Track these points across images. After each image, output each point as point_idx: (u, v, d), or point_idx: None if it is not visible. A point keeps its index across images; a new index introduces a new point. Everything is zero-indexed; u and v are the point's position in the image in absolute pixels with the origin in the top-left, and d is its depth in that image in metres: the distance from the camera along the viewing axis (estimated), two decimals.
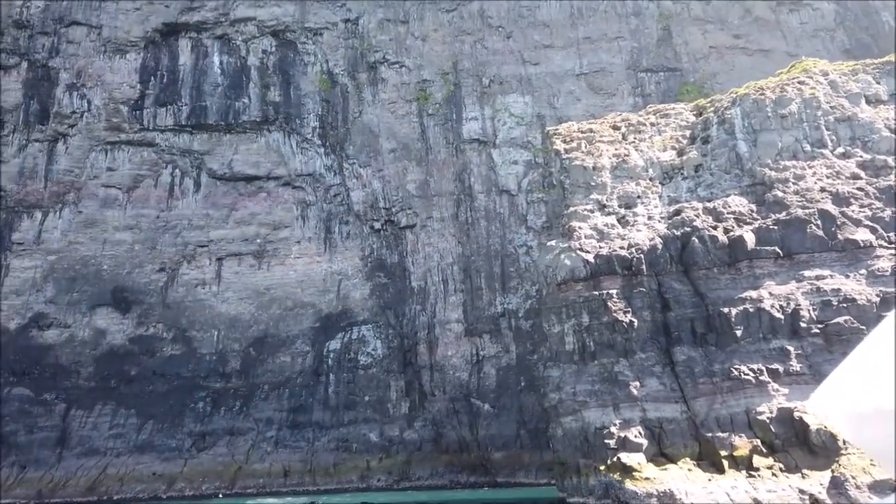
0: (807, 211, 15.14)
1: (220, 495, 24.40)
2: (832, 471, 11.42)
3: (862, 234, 14.61)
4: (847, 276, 14.30)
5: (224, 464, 25.76)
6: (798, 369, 13.14)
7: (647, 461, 13.07)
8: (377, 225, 30.17)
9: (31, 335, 28.40)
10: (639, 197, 17.79)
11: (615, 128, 20.25)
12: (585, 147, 19.52)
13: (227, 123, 31.50)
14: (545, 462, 24.83)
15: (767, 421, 12.51)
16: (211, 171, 31.51)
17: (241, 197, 31.54)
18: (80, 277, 29.69)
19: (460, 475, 25.92)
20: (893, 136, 16.58)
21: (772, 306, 13.96)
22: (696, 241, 15.49)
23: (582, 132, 20.36)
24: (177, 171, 31.66)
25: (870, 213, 15.15)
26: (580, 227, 17.18)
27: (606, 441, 13.75)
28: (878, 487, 11.02)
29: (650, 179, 18.30)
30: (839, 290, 13.97)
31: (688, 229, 15.84)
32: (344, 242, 30.64)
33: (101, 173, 31.01)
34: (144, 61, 31.51)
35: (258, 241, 31.01)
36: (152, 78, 31.50)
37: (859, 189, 15.57)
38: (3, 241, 29.37)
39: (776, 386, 12.97)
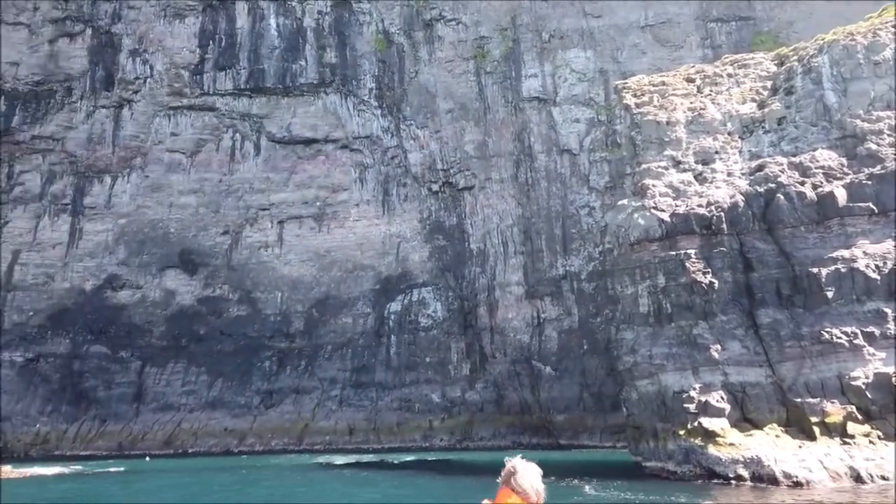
0: None
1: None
2: None
3: None
4: None
5: (291, 421, 26.54)
6: None
7: (731, 426, 12.64)
8: (435, 187, 29.90)
9: (105, 296, 29.55)
10: (717, 152, 16.93)
11: (689, 80, 19.24)
12: (658, 101, 18.63)
13: (284, 87, 31.49)
14: (609, 425, 24.67)
15: (863, 386, 11.88)
16: (270, 135, 31.69)
17: (300, 160, 31.67)
18: (149, 240, 30.57)
19: (522, 436, 26.03)
20: None
21: (866, 266, 13.15)
22: (782, 197, 14.67)
23: (654, 85, 19.42)
24: (237, 135, 31.94)
25: None
26: (654, 185, 16.50)
27: (686, 405, 13.36)
28: None
29: (729, 134, 17.37)
30: None
31: (772, 185, 15.00)
32: (402, 205, 30.52)
33: (165, 138, 31.58)
34: (203, 25, 31.63)
35: (317, 204, 31.19)
36: (211, 42, 31.65)
37: None
38: (76, 206, 30.38)
39: (872, 350, 12.28)
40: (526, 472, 2.07)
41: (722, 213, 15.17)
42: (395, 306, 28.77)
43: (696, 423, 13.19)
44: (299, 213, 31.15)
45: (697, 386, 13.77)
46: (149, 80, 31.34)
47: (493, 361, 27.33)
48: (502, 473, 2.12)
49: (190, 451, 25.20)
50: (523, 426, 25.73)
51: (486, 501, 2.05)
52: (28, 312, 28.77)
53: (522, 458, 2.15)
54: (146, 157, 31.39)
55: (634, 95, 19.30)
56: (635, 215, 16.27)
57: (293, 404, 27.23)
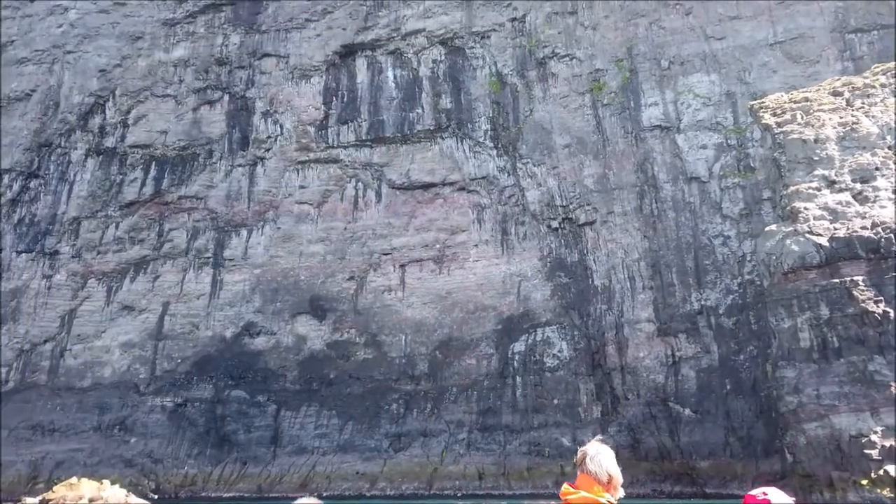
0: None
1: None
2: None
3: None
4: None
5: (420, 464, 26.38)
6: None
7: None
8: (554, 224, 29.39)
9: (243, 342, 31.24)
10: (877, 168, 15.36)
11: (836, 94, 17.77)
12: (801, 118, 17.31)
13: (402, 135, 32.53)
14: (762, 473, 22.45)
15: None
16: (390, 182, 32.66)
17: (419, 204, 32.32)
18: (282, 288, 32.13)
19: (663, 484, 24.25)
20: None
21: None
22: None
23: (795, 102, 18.11)
24: (360, 184, 33.18)
25: None
26: (806, 208, 15.15)
27: (867, 451, 11.81)
28: None
29: (889, 148, 15.75)
30: None
31: None
32: (521, 243, 30.22)
33: (294, 191, 33.41)
34: (326, 83, 33.52)
35: (437, 246, 31.55)
36: (334, 98, 33.42)
37: None
38: (217, 258, 32.61)
39: None
40: (597, 456, 2.10)
41: (892, 235, 13.60)
42: (518, 346, 28.19)
43: (881, 472, 11.59)
44: (420, 256, 31.62)
45: (879, 429, 12.18)
46: (279, 137, 33.50)
47: (626, 403, 25.92)
48: (576, 459, 2.14)
49: (325, 494, 25.62)
50: (663, 473, 24.00)
51: (565, 484, 2.16)
52: (176, 360, 30.92)
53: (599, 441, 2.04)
54: (278, 210, 33.30)
55: (774, 114, 18.05)
56: (787, 241, 14.95)
57: (421, 448, 27.10)
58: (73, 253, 31.86)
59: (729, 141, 26.21)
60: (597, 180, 28.12)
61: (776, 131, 17.43)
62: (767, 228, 16.61)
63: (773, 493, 2.03)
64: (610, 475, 2.02)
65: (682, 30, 28.29)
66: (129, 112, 33.31)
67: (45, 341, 30.73)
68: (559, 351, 27.46)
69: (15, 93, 33.46)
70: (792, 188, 16.19)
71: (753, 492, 2.21)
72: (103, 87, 33.50)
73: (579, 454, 2.11)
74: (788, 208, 15.90)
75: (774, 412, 17.00)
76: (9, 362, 30.35)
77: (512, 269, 29.84)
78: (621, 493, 2.11)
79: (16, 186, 32.32)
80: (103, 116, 33.47)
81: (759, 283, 23.17)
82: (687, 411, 24.73)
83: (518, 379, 27.60)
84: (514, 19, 30.82)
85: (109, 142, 33.12)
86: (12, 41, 34.63)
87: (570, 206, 28.58)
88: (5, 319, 30.76)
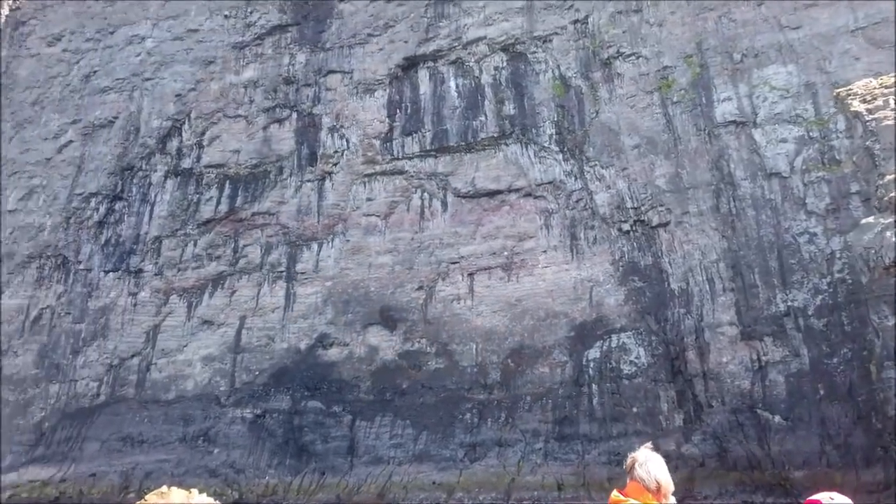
0: None
1: None
2: None
3: None
4: None
5: (497, 475, 26.07)
6: None
7: None
8: (626, 226, 28.65)
9: (317, 354, 31.80)
10: None
11: None
12: (895, 103, 16.27)
13: (466, 143, 32.51)
14: (864, 483, 21.07)
15: None
16: (456, 191, 32.66)
17: (485, 212, 32.17)
18: (353, 300, 32.56)
19: (754, 495, 23.03)
20: None
21: None
22: None
23: (886, 87, 17.07)
24: (425, 194, 33.33)
25: None
26: None
27: None
28: None
29: None
30: None
31: None
32: (591, 248, 29.59)
33: (361, 204, 33.88)
34: (390, 96, 33.93)
35: (505, 253, 31.28)
36: (398, 111, 33.78)
37: None
38: (290, 272, 33.39)
39: None
40: (646, 463, 1.96)
41: None
42: (593, 353, 27.54)
43: None
44: (488, 264, 31.42)
45: None
46: (346, 152, 34.09)
47: (710, 411, 24.86)
48: (625, 465, 1.84)
49: None
50: (754, 483, 22.83)
51: (615, 491, 1.90)
52: (254, 372, 31.75)
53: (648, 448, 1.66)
54: (346, 223, 33.84)
55: (864, 101, 17.08)
56: (888, 233, 14.03)
57: (497, 457, 26.79)
58: (155, 271, 33.28)
59: (811, 133, 24.95)
60: (669, 180, 27.29)
61: (867, 118, 16.46)
62: (864, 221, 15.65)
63: (839, 497, 1.84)
64: (659, 482, 1.86)
65: (754, 21, 27.22)
66: (203, 133, 34.65)
67: (132, 356, 32.15)
68: (636, 357, 26.67)
69: (99, 120, 35.36)
70: (889, 177, 15.21)
71: (818, 496, 2.00)
72: (179, 110, 34.99)
73: (629, 461, 2.00)
74: (886, 199, 14.93)
75: (877, 417, 15.92)
76: (99, 377, 31.90)
77: (583, 275, 29.26)
78: (672, 500, 1.92)
79: (102, 209, 34.08)
80: (180, 139, 34.94)
81: (851, 281, 21.90)
82: (777, 418, 23.51)
83: (594, 387, 26.94)
84: (576, 21, 30.42)
85: (186, 163, 34.53)
86: (95, 71, 36.65)
87: (642, 208, 27.82)
88: (96, 336, 32.38)
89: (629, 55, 28.98)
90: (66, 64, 37.14)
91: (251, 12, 35.82)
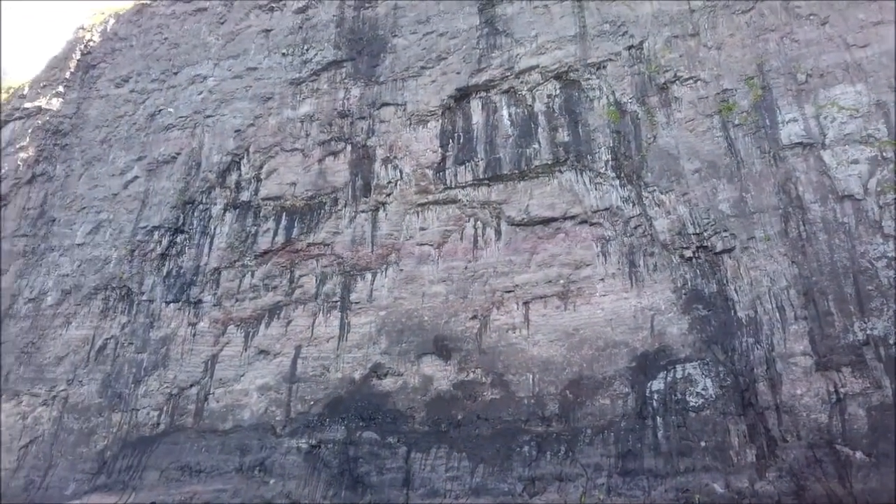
0: None
1: None
2: None
3: None
4: None
5: None
6: None
7: None
8: (688, 253, 27.81)
9: (372, 383, 31.61)
10: None
11: None
12: None
13: (520, 171, 32.34)
14: None
15: None
16: (510, 219, 32.40)
17: (539, 240, 31.76)
18: (407, 329, 32.39)
19: None
20: None
21: None
22: None
23: None
24: (478, 222, 33.17)
25: None
26: None
27: None
28: None
29: None
30: None
31: None
32: (651, 275, 28.77)
33: (415, 233, 33.95)
34: (443, 127, 34.18)
35: (561, 281, 30.70)
36: (450, 140, 33.97)
37: None
38: (344, 302, 33.52)
39: None
40: None
41: None
42: (657, 385, 26.51)
43: None
44: (543, 293, 30.85)
45: None
46: (399, 182, 34.36)
47: (785, 446, 23.50)
48: None
49: None
50: None
51: None
52: (309, 402, 31.73)
53: None
54: (400, 253, 33.91)
55: None
56: None
57: (557, 492, 25.85)
58: (214, 301, 33.91)
59: (884, 154, 23.89)
60: (733, 204, 26.45)
61: None
62: None
63: None
64: None
65: (818, 41, 26.49)
66: (261, 167, 35.52)
67: (191, 385, 32.61)
68: (703, 389, 25.54)
69: (163, 156, 36.69)
70: None
71: None
72: (238, 145, 36.03)
73: None
74: None
75: None
76: (159, 406, 32.41)
77: (643, 303, 28.41)
78: None
79: (164, 241, 35.10)
80: (239, 173, 35.88)
81: None
82: (858, 454, 22.04)
83: (659, 419, 25.87)
84: (630, 47, 30.18)
85: (244, 196, 35.37)
86: (159, 110, 38.19)
87: (705, 234, 26.98)
88: (157, 366, 33.03)
89: (687, 79, 28.52)
90: (132, 104, 38.83)
91: (307, 49, 36.89)
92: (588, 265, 30.30)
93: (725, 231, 26.33)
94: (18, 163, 40.99)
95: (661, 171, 28.37)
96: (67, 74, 43.25)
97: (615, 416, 26.88)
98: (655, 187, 28.36)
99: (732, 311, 25.96)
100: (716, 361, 25.79)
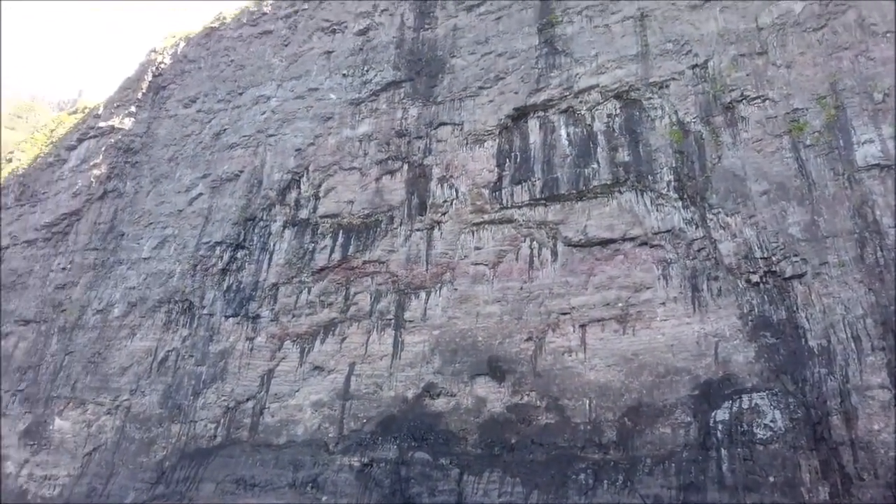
0: None
1: None
2: None
3: None
4: None
5: None
6: None
7: None
8: (754, 278, 26.70)
9: (424, 403, 31.41)
10: None
11: None
12: None
13: (578, 191, 31.86)
14: None
15: None
16: (566, 240, 31.90)
17: (597, 262, 31.12)
18: (460, 349, 32.13)
19: None
20: None
21: None
22: None
23: None
24: (534, 243, 32.78)
25: None
26: None
27: None
28: None
29: None
30: None
31: None
32: (716, 300, 27.73)
33: (469, 253, 33.80)
34: (500, 146, 34.10)
35: (619, 305, 29.94)
36: (507, 160, 33.83)
37: None
38: (398, 320, 33.57)
39: None
40: None
41: None
42: (721, 415, 25.38)
43: None
44: (601, 316, 30.12)
45: None
46: (455, 201, 34.37)
47: (861, 484, 22.07)
48: None
49: None
50: None
51: None
52: (362, 420, 31.75)
53: None
54: (454, 272, 33.79)
55: None
56: None
57: None
58: (271, 317, 34.48)
59: None
60: (804, 228, 25.33)
61: None
62: None
63: None
64: None
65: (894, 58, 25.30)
66: (320, 185, 36.14)
67: (247, 399, 33.12)
68: (772, 421, 24.30)
69: (226, 174, 37.79)
70: None
71: None
72: (299, 164, 36.80)
73: None
74: None
75: None
76: (216, 419, 33.01)
77: (706, 329, 27.38)
78: None
79: (226, 257, 36.01)
80: (298, 191, 36.62)
81: None
82: None
83: (723, 451, 24.72)
84: (694, 66, 29.50)
85: (303, 213, 36.03)
86: (224, 129, 39.42)
87: (773, 258, 25.88)
88: (215, 379, 33.71)
89: (754, 98, 27.65)
90: (199, 123, 40.22)
91: (367, 70, 37.53)
92: (648, 288, 29.46)
93: (796, 256, 25.22)
94: (91, 179, 42.94)
95: (726, 192, 27.47)
96: (139, 95, 45.24)
97: (676, 445, 25.86)
98: (720, 209, 27.46)
99: (803, 340, 24.73)
100: (785, 392, 24.56)
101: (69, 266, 41.06)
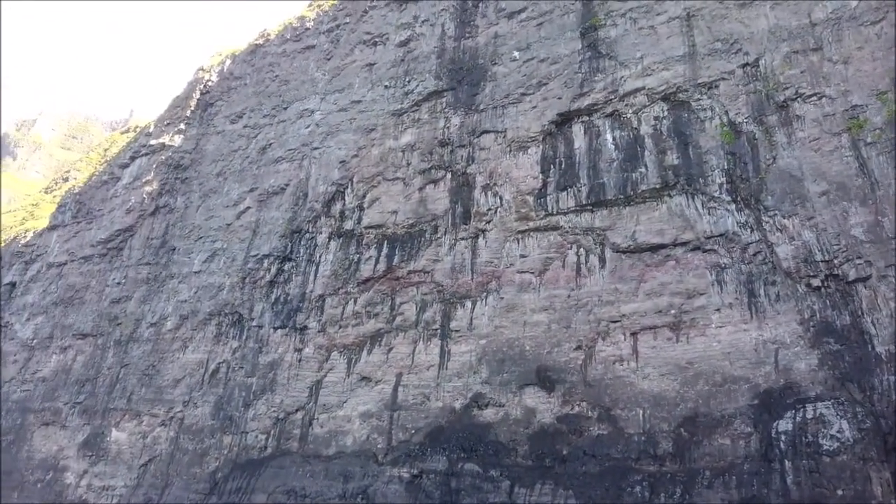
0: None
1: None
2: None
3: None
4: None
5: None
6: None
7: None
8: (815, 282, 25.61)
9: (473, 414, 31.08)
10: None
11: None
12: None
13: (625, 196, 31.22)
14: None
15: None
16: (615, 246, 31.27)
17: (647, 268, 30.38)
18: (508, 359, 31.73)
19: None
20: None
21: None
22: None
23: None
24: (581, 249, 32.23)
25: None
26: None
27: None
28: None
29: None
30: None
31: None
32: (774, 306, 26.69)
33: (515, 261, 33.42)
34: (544, 153, 33.71)
35: (672, 311, 29.12)
36: (551, 166, 33.41)
37: None
38: (444, 330, 33.37)
39: None
40: None
41: None
42: (784, 425, 24.33)
43: None
44: (653, 323, 29.35)
45: None
46: (499, 209, 34.09)
47: None
48: None
49: None
50: None
51: None
52: (410, 430, 31.61)
53: None
54: (500, 280, 33.45)
55: None
56: None
57: None
58: (318, 328, 34.73)
59: None
60: (867, 229, 24.20)
61: None
62: None
63: None
64: None
65: None
66: (364, 196, 36.35)
67: (297, 410, 33.36)
68: (839, 431, 23.16)
69: (273, 187, 38.37)
70: None
71: None
72: (343, 176, 37.11)
73: None
74: None
75: None
76: (267, 430, 33.33)
77: (765, 336, 26.36)
78: None
79: (273, 269, 36.49)
80: (343, 202, 36.91)
81: None
82: None
83: (787, 463, 23.65)
84: (745, 65, 28.65)
85: (348, 224, 36.28)
86: (270, 144, 40.08)
87: (835, 261, 24.80)
88: (265, 390, 34.08)
89: (810, 96, 26.66)
90: (245, 138, 40.99)
91: (409, 81, 37.67)
92: (702, 294, 28.56)
93: (859, 258, 24.13)
94: (143, 196, 44.15)
95: (782, 193, 26.51)
96: (188, 113, 46.45)
97: (736, 457, 24.88)
98: (777, 211, 26.50)
99: (870, 346, 23.59)
100: (852, 401, 23.42)
101: (124, 281, 42.24)
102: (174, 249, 40.62)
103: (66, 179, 53.84)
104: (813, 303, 25.63)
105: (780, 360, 25.95)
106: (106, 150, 53.33)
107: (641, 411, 28.90)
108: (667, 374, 29.02)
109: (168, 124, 47.35)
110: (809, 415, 24.04)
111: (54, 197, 56.55)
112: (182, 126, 46.10)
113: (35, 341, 43.96)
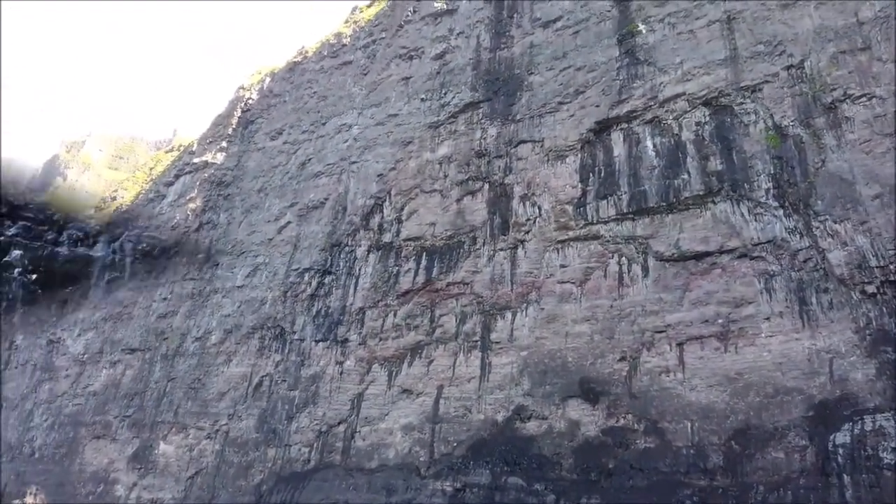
0: None
1: None
2: None
3: None
4: None
5: None
6: None
7: None
8: (870, 288, 24.63)
9: (515, 426, 30.74)
10: None
11: None
12: None
13: (667, 203, 30.62)
14: None
15: None
16: (658, 254, 30.66)
17: (692, 276, 29.67)
18: (550, 370, 31.32)
19: None
20: None
21: None
22: None
23: None
24: (623, 258, 31.70)
25: None
26: None
27: None
28: None
29: None
30: None
31: None
32: (827, 314, 25.76)
33: (555, 271, 33.06)
34: (582, 161, 33.37)
35: (719, 321, 28.34)
36: (591, 175, 33.03)
37: None
38: (484, 342, 33.17)
39: None
40: None
41: None
42: (841, 438, 23.39)
43: None
44: (700, 333, 28.61)
45: None
46: (538, 219, 33.82)
47: None
48: None
49: None
50: None
51: None
52: (452, 443, 31.41)
53: None
54: (540, 291, 33.11)
55: None
56: None
57: None
58: (359, 340, 34.90)
59: None
60: None
61: None
62: None
63: None
64: None
65: None
66: (402, 209, 36.52)
67: (339, 423, 33.51)
68: None
69: (312, 202, 38.87)
70: None
71: None
72: (381, 189, 37.38)
73: None
74: None
75: None
76: (310, 443, 33.55)
77: (818, 345, 25.43)
78: None
79: (314, 283, 36.87)
80: (381, 215, 37.14)
81: None
82: None
83: (846, 478, 22.70)
84: (790, 67, 27.92)
85: (387, 237, 36.47)
86: (309, 159, 40.65)
87: (891, 267, 23.83)
88: (307, 403, 34.36)
89: (859, 97, 25.82)
90: (285, 154, 41.67)
91: (445, 93, 37.83)
92: (750, 303, 27.74)
93: None
94: (188, 213, 45.22)
95: (833, 198, 25.66)
96: (230, 130, 47.53)
97: (791, 471, 23.99)
98: (827, 216, 25.65)
99: None
100: None
101: (170, 296, 43.25)
102: (218, 265, 41.44)
103: (113, 198, 55.51)
104: (868, 310, 24.65)
105: (835, 371, 25.00)
106: (151, 168, 54.89)
107: (690, 424, 28.14)
108: (715, 385, 28.22)
109: (210, 142, 48.51)
110: (868, 427, 23.06)
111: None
112: (224, 144, 47.17)
113: (86, 356, 45.28)
